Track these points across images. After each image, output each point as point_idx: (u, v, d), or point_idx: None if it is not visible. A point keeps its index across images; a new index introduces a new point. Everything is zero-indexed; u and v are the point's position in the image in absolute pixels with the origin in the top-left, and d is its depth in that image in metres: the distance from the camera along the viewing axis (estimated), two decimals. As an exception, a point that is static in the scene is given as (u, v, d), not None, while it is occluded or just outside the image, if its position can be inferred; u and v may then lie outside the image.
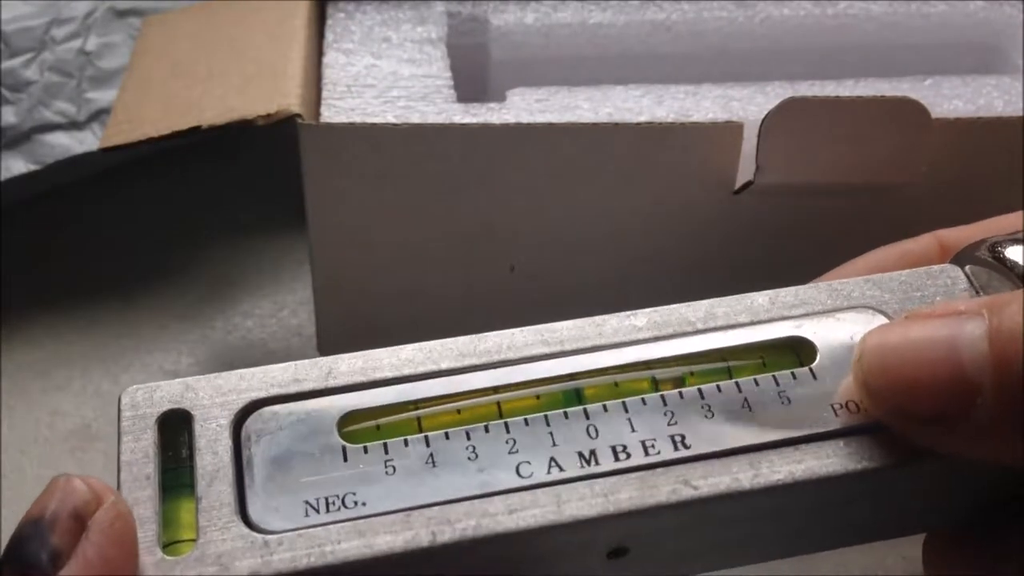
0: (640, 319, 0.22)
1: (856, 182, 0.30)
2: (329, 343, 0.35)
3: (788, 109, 0.29)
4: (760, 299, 0.22)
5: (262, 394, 0.20)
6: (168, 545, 0.18)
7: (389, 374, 0.21)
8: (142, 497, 0.19)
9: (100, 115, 0.39)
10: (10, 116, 0.38)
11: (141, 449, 0.19)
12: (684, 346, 0.21)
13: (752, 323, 0.21)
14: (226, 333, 0.39)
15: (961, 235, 0.24)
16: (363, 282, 0.33)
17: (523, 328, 0.21)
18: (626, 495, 0.19)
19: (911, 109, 0.29)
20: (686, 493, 0.19)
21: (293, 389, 0.20)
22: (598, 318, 0.22)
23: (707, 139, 0.30)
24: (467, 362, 0.21)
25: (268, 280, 0.40)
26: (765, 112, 0.29)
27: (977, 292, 0.22)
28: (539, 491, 0.19)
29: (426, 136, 0.30)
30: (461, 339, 0.21)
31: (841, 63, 0.37)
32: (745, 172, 0.30)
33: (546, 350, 0.21)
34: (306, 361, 0.21)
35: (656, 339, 0.21)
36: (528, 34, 0.37)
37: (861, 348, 0.20)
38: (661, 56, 0.37)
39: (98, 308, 0.39)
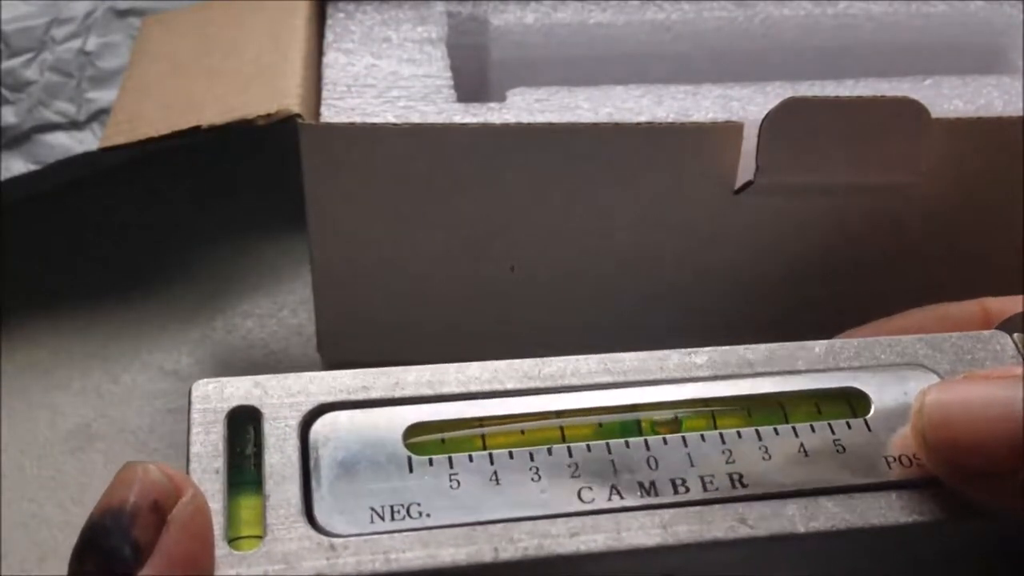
0: (701, 357, 0.22)
1: (856, 182, 0.30)
2: (329, 343, 0.35)
3: (788, 109, 0.29)
4: (817, 348, 0.23)
5: (330, 398, 0.20)
6: (233, 540, 0.19)
7: (455, 389, 0.21)
8: (211, 490, 0.19)
9: (100, 115, 0.39)
10: (10, 116, 0.38)
11: (211, 442, 0.20)
12: (742, 387, 0.22)
13: (808, 371, 0.22)
14: (226, 333, 0.39)
15: (1006, 304, 0.25)
16: (363, 282, 0.33)
17: (588, 356, 0.22)
18: (684, 528, 0.19)
19: (911, 109, 0.29)
20: (742, 531, 0.19)
21: (361, 396, 0.21)
22: (661, 352, 0.22)
23: (707, 139, 0.30)
24: (531, 384, 0.21)
25: (268, 280, 0.40)
26: (765, 112, 0.29)
27: None
28: (600, 517, 0.19)
29: (426, 136, 0.30)
30: (527, 361, 0.22)
31: (841, 63, 0.37)
32: (745, 172, 0.30)
33: (609, 379, 0.22)
34: (375, 370, 0.21)
35: (715, 378, 0.22)
36: (528, 34, 0.37)
37: (921, 402, 0.21)
38: (661, 56, 0.37)
39: (98, 308, 0.39)
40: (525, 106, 0.32)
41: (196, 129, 0.30)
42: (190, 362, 0.37)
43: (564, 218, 0.32)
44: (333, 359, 0.36)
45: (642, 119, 0.31)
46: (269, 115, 0.29)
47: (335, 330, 0.35)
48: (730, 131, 0.30)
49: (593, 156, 0.30)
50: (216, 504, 0.19)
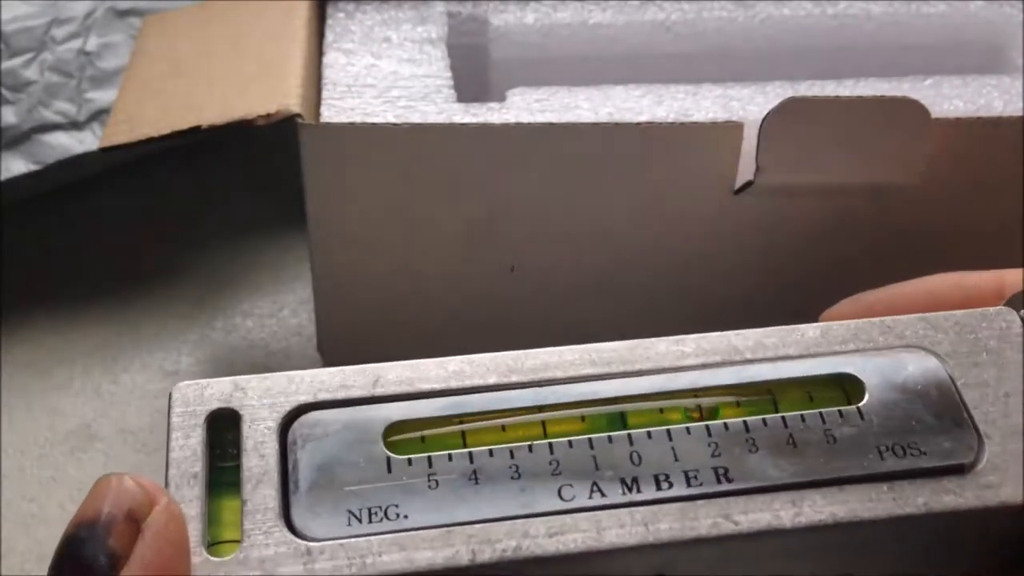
0: (688, 345, 0.21)
1: (856, 182, 0.30)
2: (329, 343, 0.35)
3: (788, 109, 0.29)
4: (811, 332, 0.22)
5: (309, 398, 0.20)
6: (212, 545, 0.18)
7: (436, 386, 0.21)
8: (189, 496, 0.19)
9: (100, 115, 0.39)
10: (10, 116, 0.38)
11: (190, 447, 0.19)
12: (731, 375, 0.21)
13: (801, 356, 0.21)
14: (226, 333, 0.39)
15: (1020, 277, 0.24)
16: (363, 282, 0.33)
17: (571, 347, 0.21)
18: (666, 525, 0.19)
19: (911, 109, 0.29)
20: (726, 528, 0.19)
21: (341, 395, 0.20)
22: (646, 341, 0.21)
23: (707, 139, 0.30)
24: (514, 378, 0.21)
25: (268, 280, 0.40)
26: (765, 112, 0.29)
27: None
28: (580, 515, 0.19)
29: (426, 136, 0.30)
30: (509, 354, 0.21)
31: (841, 63, 0.37)
32: (745, 172, 0.30)
33: (593, 371, 0.21)
34: (354, 367, 0.21)
35: (703, 366, 0.21)
36: (528, 34, 0.37)
37: None
38: (661, 56, 0.37)
39: (98, 308, 0.39)
40: (525, 106, 0.32)
41: (196, 129, 0.30)
42: (190, 362, 0.37)
43: (564, 218, 0.32)
44: (333, 359, 0.36)
45: (642, 119, 0.31)
46: (269, 115, 0.29)
47: (335, 330, 0.35)
48: (730, 131, 0.30)
49: (593, 156, 0.30)
50: (193, 510, 0.19)
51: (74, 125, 0.39)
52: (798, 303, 0.34)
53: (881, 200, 0.32)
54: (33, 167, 0.38)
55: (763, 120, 0.29)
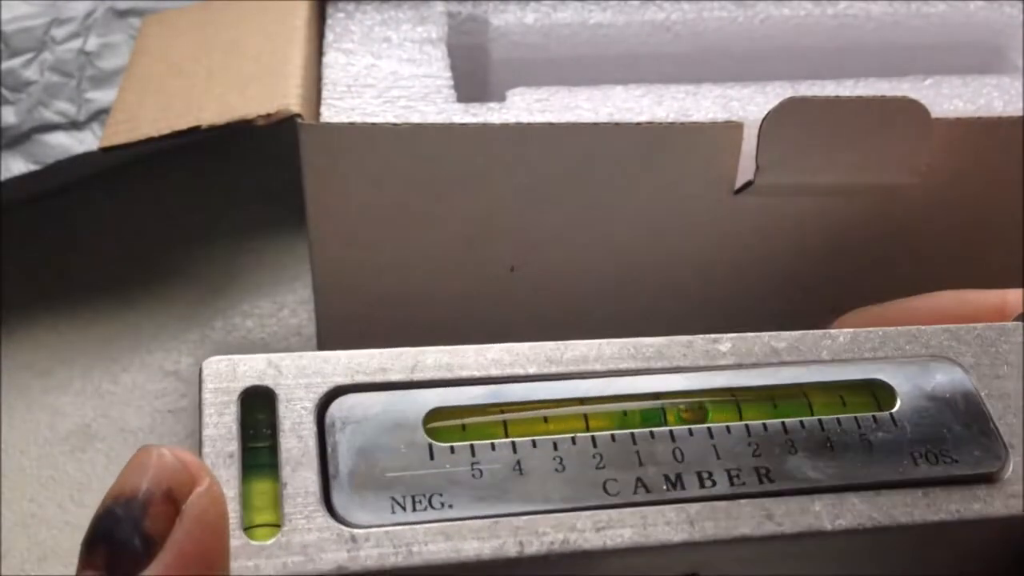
0: (725, 344, 0.22)
1: (856, 182, 0.30)
2: (329, 343, 0.35)
3: (788, 109, 0.29)
4: (842, 336, 0.22)
5: (347, 380, 0.20)
6: (249, 528, 0.18)
7: (475, 373, 0.20)
8: (225, 476, 0.18)
9: (100, 115, 0.39)
10: (10, 116, 0.38)
11: (225, 425, 0.19)
12: (767, 376, 0.21)
13: (833, 360, 0.22)
14: (226, 333, 0.39)
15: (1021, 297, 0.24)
16: (363, 282, 0.33)
17: (610, 340, 0.21)
18: (711, 524, 0.19)
19: (911, 109, 0.29)
20: (769, 528, 0.19)
21: (379, 378, 0.20)
22: (684, 338, 0.21)
23: (707, 139, 0.30)
24: (554, 369, 0.21)
25: (268, 280, 0.40)
26: (765, 112, 0.29)
27: None
28: (626, 510, 0.19)
29: (426, 136, 0.30)
30: (549, 344, 0.21)
31: (841, 63, 0.37)
32: (745, 172, 0.30)
33: (633, 365, 0.21)
34: (391, 350, 0.20)
35: (739, 366, 0.21)
36: (528, 34, 0.37)
37: None
38: (661, 56, 0.37)
39: (98, 308, 0.39)
40: (525, 106, 0.32)
41: (196, 129, 0.30)
42: (190, 362, 0.37)
43: (564, 218, 0.32)
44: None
45: (642, 119, 0.31)
46: (269, 115, 0.29)
47: (335, 330, 0.35)
48: (730, 131, 0.30)
49: (593, 156, 0.30)
50: (231, 491, 0.18)
51: (74, 125, 0.39)
52: (798, 303, 0.34)
53: (881, 200, 0.32)
54: (33, 167, 0.38)
55: (763, 120, 0.29)
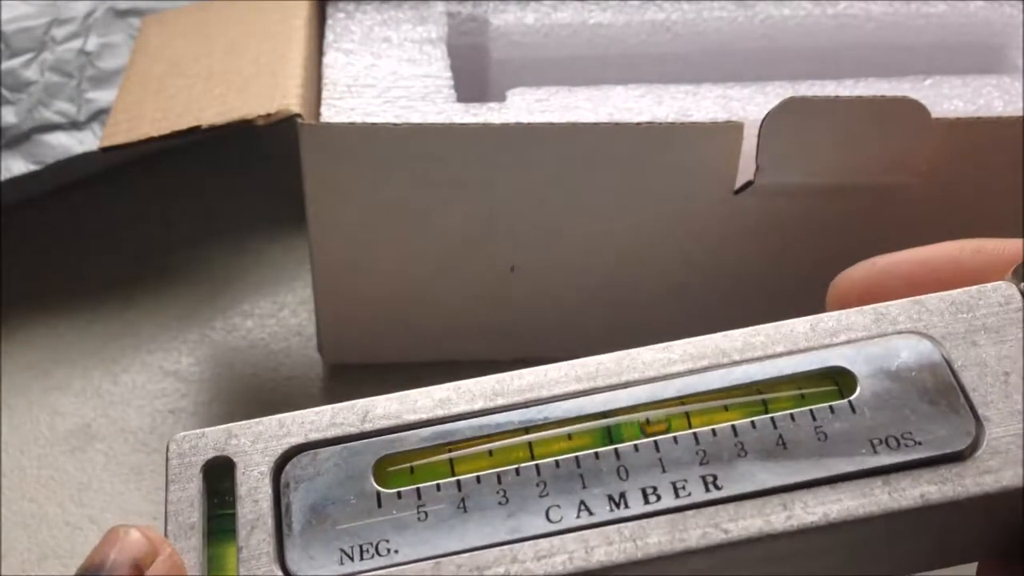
0: (675, 351, 0.21)
1: (856, 182, 0.30)
2: (329, 343, 0.35)
3: (788, 109, 0.29)
4: (800, 326, 0.21)
5: (300, 439, 0.20)
6: None
7: (424, 416, 0.21)
8: (187, 546, 0.19)
9: (100, 115, 0.39)
10: (10, 116, 0.38)
11: (187, 498, 0.20)
12: (720, 379, 0.21)
13: (791, 352, 0.21)
14: (226, 333, 0.39)
15: (1006, 247, 0.23)
16: (363, 282, 0.33)
17: (556, 364, 0.21)
18: (655, 539, 0.19)
19: (911, 109, 0.29)
20: (716, 537, 0.19)
21: (331, 433, 0.20)
22: (633, 351, 0.21)
23: (707, 139, 0.30)
24: (500, 401, 0.21)
25: (268, 280, 0.40)
26: (765, 112, 0.29)
27: None
28: (568, 536, 0.19)
29: (426, 136, 0.30)
30: (496, 377, 0.21)
31: (841, 63, 0.37)
32: (745, 172, 0.30)
33: (578, 387, 0.21)
34: (342, 404, 0.21)
35: (691, 372, 0.21)
36: (528, 34, 0.37)
37: None
38: (661, 56, 0.37)
39: (98, 308, 0.39)
40: (525, 106, 0.32)
41: (196, 129, 0.30)
42: (190, 362, 0.37)
43: (564, 218, 0.32)
44: (333, 359, 0.36)
45: (642, 119, 0.31)
46: (269, 115, 0.29)
47: (335, 330, 0.35)
48: (730, 131, 0.30)
49: (593, 156, 0.30)
50: (191, 560, 0.19)
51: (74, 125, 0.39)
52: (798, 303, 0.34)
53: (881, 200, 0.32)
54: (33, 167, 0.38)
55: (763, 120, 0.29)
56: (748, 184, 0.30)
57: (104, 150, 0.31)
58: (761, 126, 0.29)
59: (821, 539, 0.19)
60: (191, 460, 0.20)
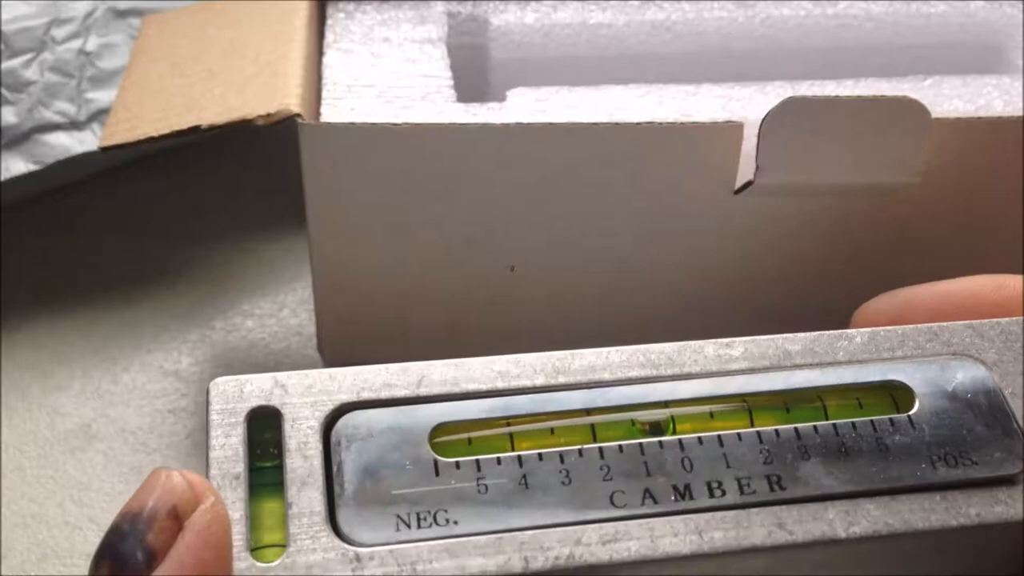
0: (737, 349, 0.21)
1: (856, 182, 0.30)
2: (329, 343, 0.35)
3: (788, 109, 0.29)
4: (859, 337, 0.22)
5: (352, 397, 0.20)
6: (256, 549, 0.18)
7: (482, 386, 0.20)
8: (232, 497, 0.18)
9: (100, 115, 0.39)
10: (10, 116, 0.38)
11: (231, 446, 0.19)
12: (780, 381, 0.21)
13: (850, 362, 0.21)
14: (226, 333, 0.39)
15: None
16: (363, 282, 0.33)
17: (619, 348, 0.21)
18: (720, 534, 0.19)
19: (911, 109, 0.29)
20: (780, 537, 0.19)
21: (384, 394, 0.20)
22: (695, 344, 0.21)
23: (707, 139, 0.30)
24: (561, 379, 0.20)
25: (268, 280, 0.40)
26: (765, 112, 0.29)
27: None
28: (632, 523, 0.19)
29: (426, 136, 0.30)
30: (556, 354, 0.21)
31: (841, 63, 0.37)
32: (745, 172, 0.30)
33: (641, 373, 0.21)
34: (397, 365, 0.20)
35: (752, 371, 0.21)
36: (528, 34, 0.37)
37: None
38: (661, 56, 0.37)
39: (98, 308, 0.39)
40: (525, 106, 0.32)
41: (196, 129, 0.30)
42: (190, 362, 0.37)
43: (564, 218, 0.32)
44: (333, 359, 0.36)
45: (642, 119, 0.31)
46: (269, 115, 0.29)
47: (335, 330, 0.35)
48: (730, 131, 0.30)
49: (593, 156, 0.30)
50: (236, 513, 0.18)
51: (74, 125, 0.39)
52: (798, 303, 0.34)
53: (881, 200, 0.32)
54: (33, 167, 0.38)
55: (763, 120, 0.29)
56: (748, 184, 0.30)
57: (104, 150, 0.31)
58: (761, 126, 0.29)
59: (877, 547, 0.19)
60: (235, 407, 0.19)
